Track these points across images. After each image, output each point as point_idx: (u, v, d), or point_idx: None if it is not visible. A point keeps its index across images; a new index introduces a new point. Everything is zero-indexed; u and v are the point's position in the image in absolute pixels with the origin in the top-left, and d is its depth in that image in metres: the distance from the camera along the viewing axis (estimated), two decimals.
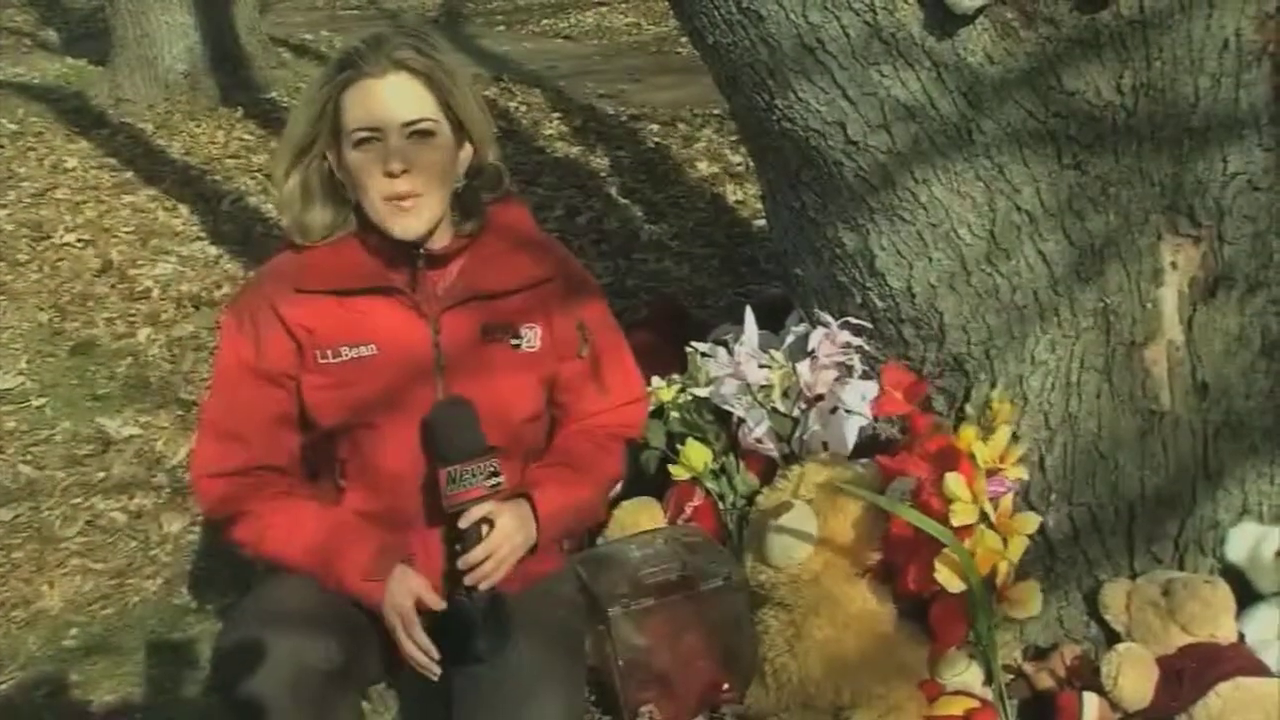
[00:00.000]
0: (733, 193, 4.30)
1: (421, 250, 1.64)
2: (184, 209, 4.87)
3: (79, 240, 4.59)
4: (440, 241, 1.67)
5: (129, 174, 5.44)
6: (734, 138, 4.82)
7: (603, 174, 4.77)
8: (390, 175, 1.58)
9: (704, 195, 4.37)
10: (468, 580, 1.56)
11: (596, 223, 4.25)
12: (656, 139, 5.09)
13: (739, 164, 4.48)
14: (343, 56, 1.64)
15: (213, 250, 4.42)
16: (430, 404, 1.61)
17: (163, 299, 4.02)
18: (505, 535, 1.57)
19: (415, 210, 1.60)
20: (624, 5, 8.50)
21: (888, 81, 1.68)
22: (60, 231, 4.67)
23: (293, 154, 1.66)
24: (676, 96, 5.66)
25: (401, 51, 1.60)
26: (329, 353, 1.64)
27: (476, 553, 1.55)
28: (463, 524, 1.55)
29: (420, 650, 1.56)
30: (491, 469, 1.55)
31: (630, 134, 5.24)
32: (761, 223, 3.84)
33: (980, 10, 1.62)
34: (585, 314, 1.75)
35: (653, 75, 6.43)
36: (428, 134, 1.60)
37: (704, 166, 4.62)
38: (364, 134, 1.59)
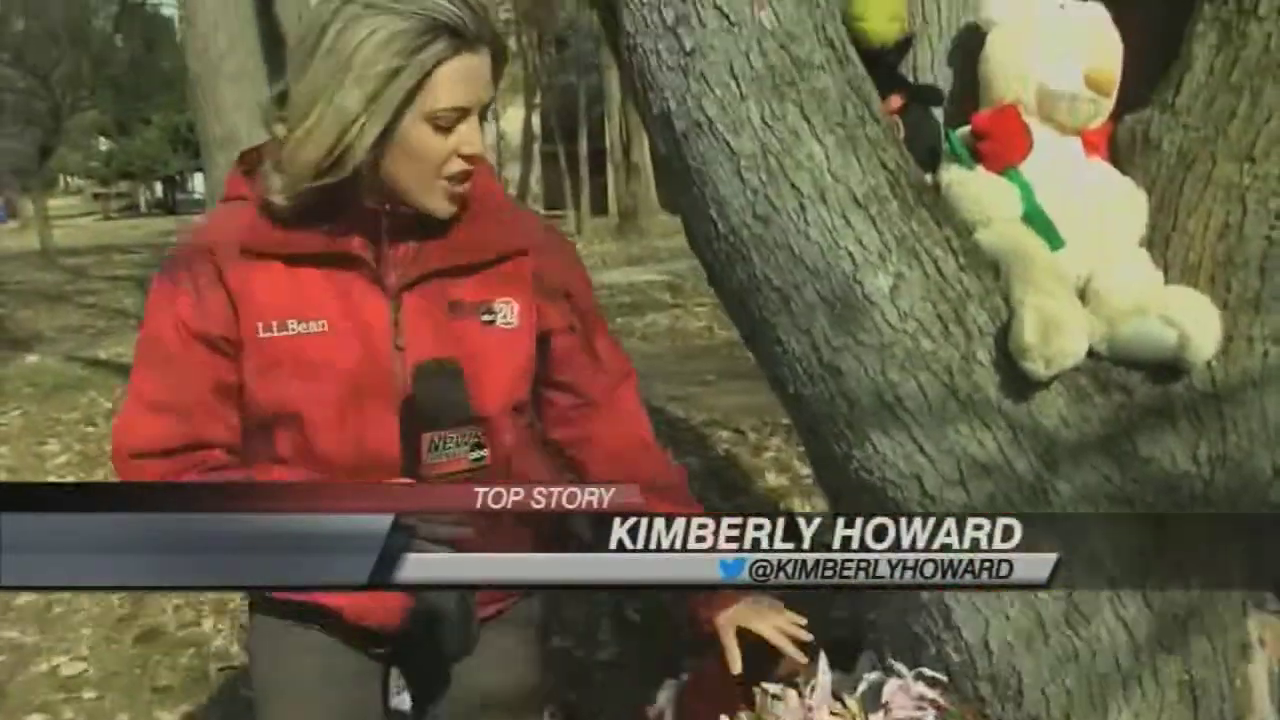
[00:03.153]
0: (800, 506, 4.32)
1: (387, 208, 1.47)
2: None
3: None
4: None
5: None
6: (802, 449, 4.88)
7: None
8: (467, 158, 1.46)
9: (773, 507, 4.39)
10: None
11: None
12: (726, 446, 5.18)
13: (807, 476, 4.52)
14: (439, 19, 1.38)
15: None
16: (385, 391, 1.46)
17: None
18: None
19: (466, 191, 1.50)
20: (698, 308, 8.83)
21: (964, 440, 1.71)
22: None
23: (346, 119, 1.38)
24: (746, 402, 5.79)
25: (491, 22, 1.46)
26: (274, 325, 1.45)
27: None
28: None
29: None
30: (475, 440, 1.43)
31: (700, 440, 5.34)
32: None
33: (1055, 375, 1.67)
34: (571, 284, 1.62)
35: (724, 380, 6.62)
36: (483, 116, 1.50)
37: (772, 478, 4.67)
38: (451, 117, 1.42)
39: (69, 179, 58.15)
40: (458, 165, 1.45)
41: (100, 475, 5.46)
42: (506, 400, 1.54)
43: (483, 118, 1.48)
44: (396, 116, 1.39)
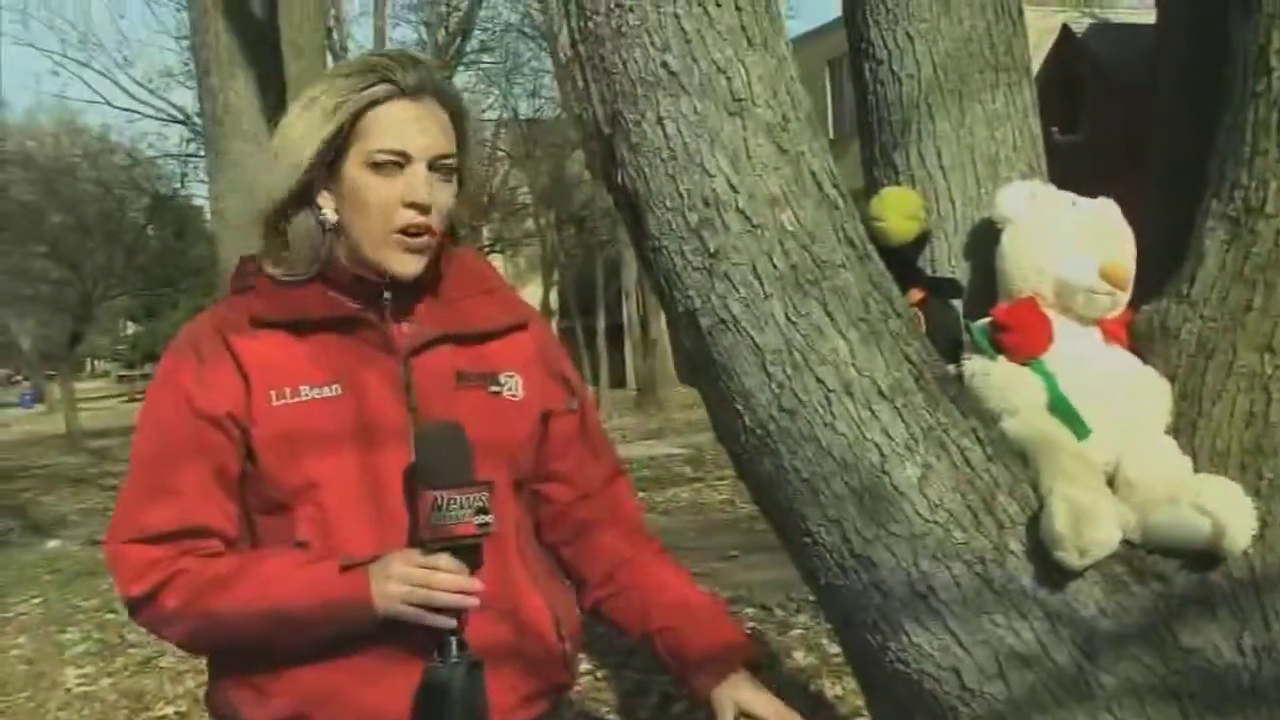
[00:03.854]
0: (831, 686, 4.23)
1: (387, 280, 1.49)
2: None
3: (176, 713, 4.62)
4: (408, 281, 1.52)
5: None
6: (830, 626, 4.81)
7: None
8: (413, 207, 1.45)
9: (802, 688, 4.30)
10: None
11: (692, 713, 4.17)
12: (752, 623, 5.10)
13: (836, 655, 4.43)
14: (367, 67, 1.48)
15: None
16: (401, 452, 1.43)
17: None
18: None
19: (424, 250, 1.49)
20: (719, 482, 8.81)
21: (1001, 630, 1.69)
22: (160, 704, 4.72)
23: (298, 180, 1.46)
24: (771, 577, 5.73)
25: (437, 78, 1.50)
26: (286, 391, 1.43)
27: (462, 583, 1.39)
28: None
29: (449, 569, 1.38)
30: (481, 504, 1.38)
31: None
32: None
33: (1090, 564, 1.67)
34: (566, 368, 1.67)
35: (747, 554, 6.56)
36: (449, 172, 1.50)
37: (801, 656, 4.58)
38: (388, 157, 1.45)
39: (95, 362, 59.14)
40: (406, 216, 1.45)
41: (119, 664, 5.40)
42: (511, 472, 1.54)
43: (449, 176, 1.51)
44: (337, 156, 1.45)
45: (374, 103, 1.45)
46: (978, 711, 1.72)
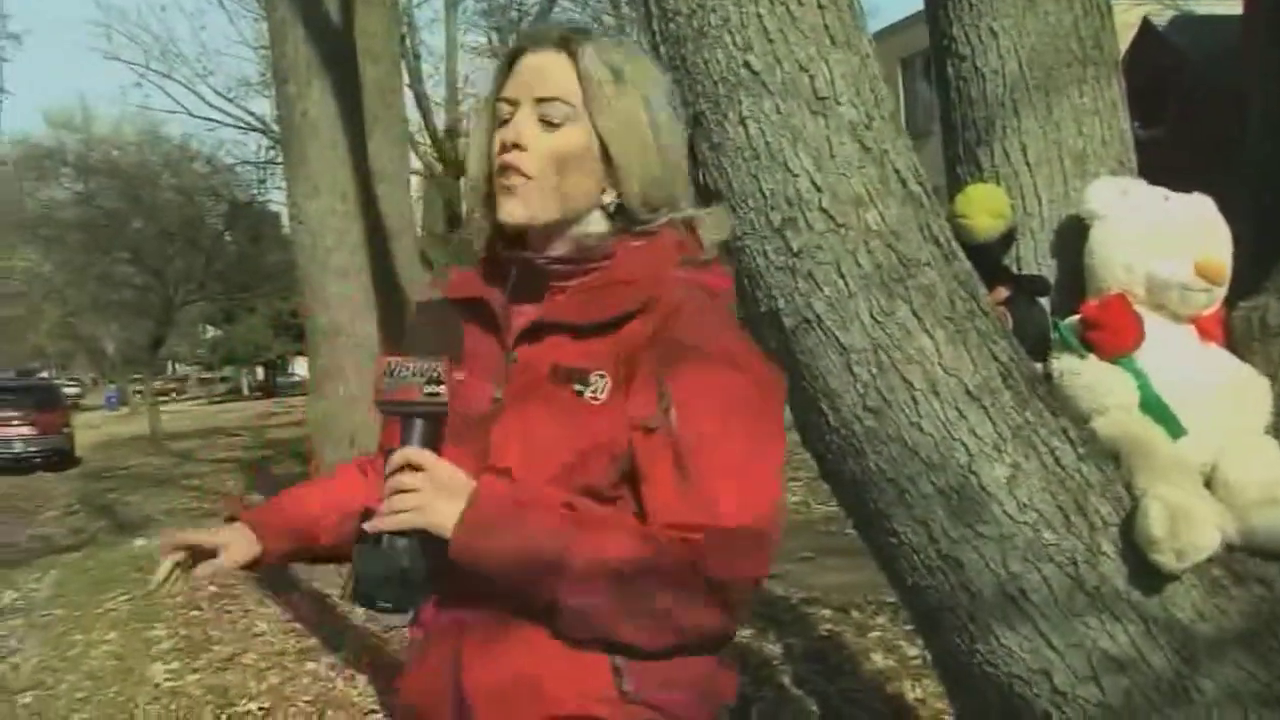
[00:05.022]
0: (911, 689, 4.18)
1: (522, 254, 1.45)
2: (361, 679, 4.96)
3: (260, 709, 4.70)
4: (545, 252, 1.46)
5: (313, 640, 5.64)
6: (909, 628, 4.75)
7: (774, 661, 4.72)
8: (503, 146, 1.43)
9: (880, 691, 4.26)
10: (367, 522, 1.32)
11: (770, 716, 4.16)
12: (829, 626, 5.06)
13: (915, 658, 4.39)
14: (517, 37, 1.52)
15: None
16: (471, 445, 1.39)
17: None
18: (424, 479, 1.31)
19: (520, 193, 1.42)
20: (793, 484, 8.75)
21: (1094, 633, 1.67)
22: (244, 700, 4.81)
23: (476, 139, 1.50)
24: (848, 580, 5.68)
25: (569, 32, 1.44)
26: (454, 371, 1.42)
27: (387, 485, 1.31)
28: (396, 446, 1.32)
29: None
30: (434, 374, 1.32)
31: (801, 619, 5.23)
32: None
33: (1187, 567, 1.63)
34: (680, 374, 1.34)
35: (823, 556, 6.51)
36: (555, 124, 1.42)
37: (879, 659, 4.54)
38: (503, 108, 1.44)
39: (176, 365, 60.47)
40: (500, 157, 1.44)
41: (203, 660, 5.50)
42: (578, 482, 1.35)
43: (553, 124, 1.43)
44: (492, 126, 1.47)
45: (508, 64, 1.47)
46: (1070, 716, 1.69)
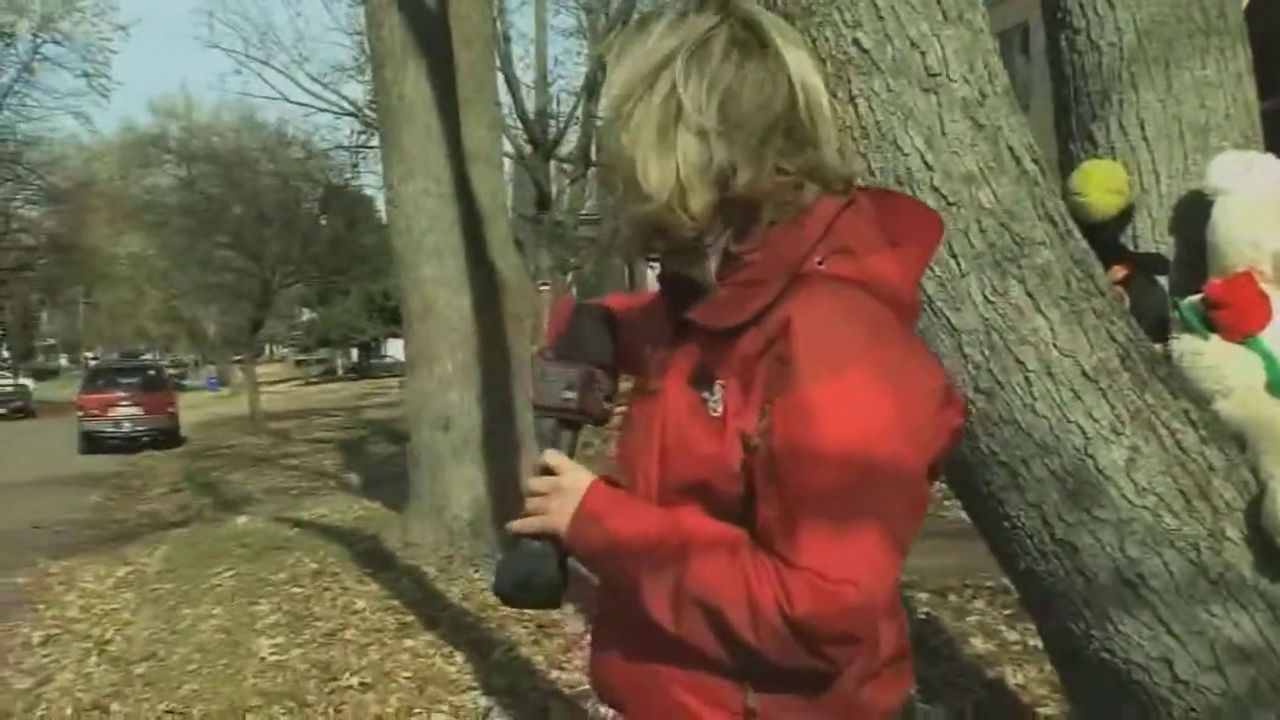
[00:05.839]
0: (1012, 675, 4.12)
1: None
2: (459, 656, 5.05)
3: (361, 684, 4.80)
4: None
5: (411, 617, 5.75)
6: (1008, 612, 4.69)
7: None
8: None
9: (980, 675, 4.21)
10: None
11: None
12: (926, 609, 5.01)
13: (1016, 643, 4.32)
14: None
15: (483, 702, 4.52)
16: (635, 443, 1.39)
17: None
18: (548, 487, 1.36)
19: None
20: None
21: (1218, 621, 1.62)
22: (346, 675, 4.92)
23: None
24: (944, 563, 5.61)
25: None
26: None
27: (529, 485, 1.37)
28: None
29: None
30: (568, 380, 1.37)
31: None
32: (1049, 710, 3.64)
33: None
34: (789, 394, 1.21)
35: (920, 539, 6.40)
36: None
37: (979, 643, 4.48)
38: None
39: (273, 348, 61.91)
40: None
41: (307, 635, 5.64)
42: (704, 499, 1.28)
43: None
44: None
45: None
46: (1191, 705, 1.65)
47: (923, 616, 4.92)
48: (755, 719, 1.29)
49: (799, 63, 1.33)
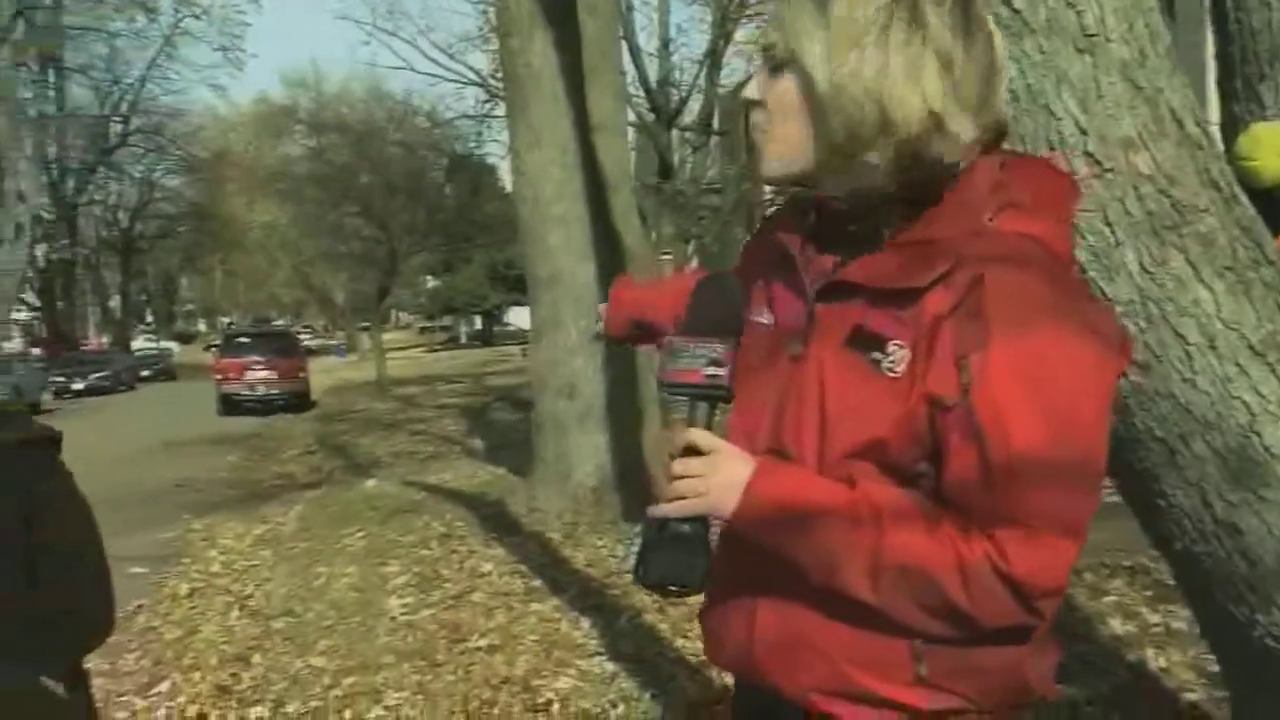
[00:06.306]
0: (1154, 658, 3.99)
1: (814, 202, 1.36)
2: (585, 621, 5.10)
3: (490, 645, 4.89)
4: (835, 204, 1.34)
5: (537, 582, 5.82)
6: (1148, 593, 4.54)
7: None
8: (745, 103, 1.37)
9: (1119, 657, 4.08)
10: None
11: None
12: None
13: (1157, 625, 4.19)
14: None
15: (610, 667, 4.54)
16: (765, 396, 1.35)
17: (562, 714, 4.14)
18: (703, 468, 1.29)
19: (762, 147, 1.35)
20: None
21: None
22: (474, 636, 5.01)
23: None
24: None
25: None
26: (752, 309, 1.41)
27: (671, 468, 1.29)
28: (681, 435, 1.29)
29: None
30: (714, 356, 1.30)
31: None
32: (1195, 697, 3.52)
33: None
34: (988, 352, 1.20)
35: None
36: (777, 67, 1.32)
37: (1117, 624, 4.35)
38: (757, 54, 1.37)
39: (398, 315, 63.35)
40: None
41: (436, 597, 5.76)
42: (874, 461, 1.27)
43: (775, 70, 1.33)
44: None
45: None
46: None
47: None
48: (926, 687, 1.28)
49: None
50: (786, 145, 1.33)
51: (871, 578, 1.24)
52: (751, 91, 1.36)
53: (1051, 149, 1.66)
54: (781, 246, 1.39)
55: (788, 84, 1.31)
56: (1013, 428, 1.18)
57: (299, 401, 22.24)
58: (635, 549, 1.39)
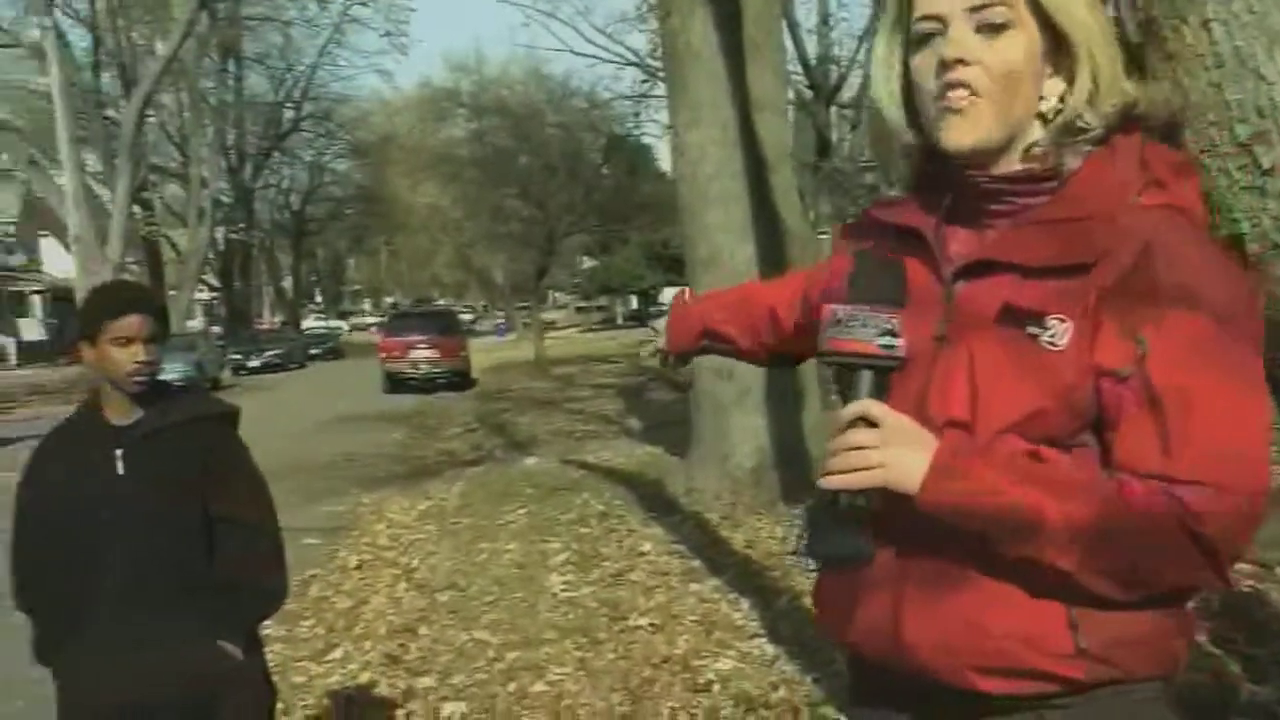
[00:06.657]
0: None
1: (968, 173, 1.33)
2: (745, 603, 5.08)
3: (650, 624, 4.91)
4: (988, 171, 1.33)
5: (696, 562, 5.83)
6: None
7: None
8: (943, 64, 1.29)
9: None
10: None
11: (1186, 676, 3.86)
12: (1250, 581, 4.63)
13: None
14: None
15: (770, 649, 4.52)
16: (919, 389, 1.31)
17: (723, 695, 4.13)
18: (877, 439, 1.25)
19: (968, 111, 1.29)
20: None
21: None
22: (634, 615, 5.04)
23: (881, 59, 1.41)
24: (1270, 532, 5.17)
25: None
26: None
27: (842, 440, 1.27)
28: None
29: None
30: (889, 327, 1.26)
31: None
32: None
33: None
34: (1157, 322, 1.21)
35: None
36: (998, 27, 1.28)
37: None
38: (925, 25, 1.32)
39: (555, 296, 64.31)
40: (940, 76, 1.30)
41: (595, 575, 5.82)
42: (1035, 432, 1.26)
43: (996, 31, 1.28)
44: (907, 50, 1.37)
45: None
46: None
47: (1246, 589, 4.55)
48: (1086, 658, 1.26)
49: None
50: (1000, 113, 1.29)
51: (1069, 544, 1.22)
52: (962, 51, 1.29)
53: (1261, 117, 1.55)
54: (909, 229, 1.38)
55: (1014, 42, 1.28)
56: (1194, 394, 1.20)
57: (460, 380, 22.78)
58: (801, 528, 1.38)
